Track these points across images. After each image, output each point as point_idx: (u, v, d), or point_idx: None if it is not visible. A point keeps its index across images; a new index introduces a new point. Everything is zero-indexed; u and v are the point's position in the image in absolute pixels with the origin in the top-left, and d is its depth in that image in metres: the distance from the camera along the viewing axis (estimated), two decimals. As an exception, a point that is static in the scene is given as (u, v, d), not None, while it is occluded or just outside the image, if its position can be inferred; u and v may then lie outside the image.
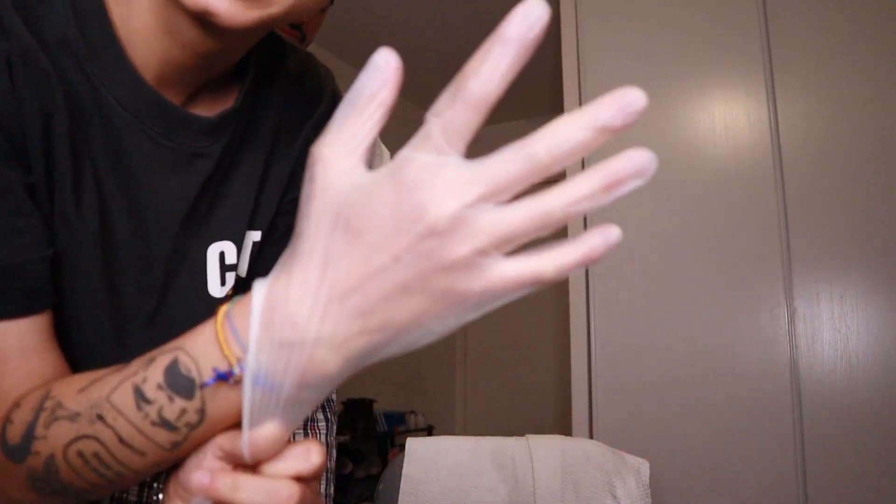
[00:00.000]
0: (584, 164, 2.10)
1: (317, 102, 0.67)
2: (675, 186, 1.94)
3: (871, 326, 1.66)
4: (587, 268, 2.06)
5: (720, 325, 1.82)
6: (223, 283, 0.60)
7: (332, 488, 1.11)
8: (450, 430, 4.34)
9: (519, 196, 0.35)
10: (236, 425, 0.39)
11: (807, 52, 1.82)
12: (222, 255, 0.60)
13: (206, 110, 0.57)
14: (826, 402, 1.68)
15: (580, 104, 2.14)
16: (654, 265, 1.94)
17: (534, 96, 3.89)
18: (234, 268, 0.61)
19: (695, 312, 1.86)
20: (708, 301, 1.85)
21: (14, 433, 0.42)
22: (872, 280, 1.67)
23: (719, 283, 1.84)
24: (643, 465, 1.24)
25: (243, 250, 0.62)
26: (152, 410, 0.39)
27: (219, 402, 0.39)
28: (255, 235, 0.63)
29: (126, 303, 0.54)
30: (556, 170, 0.35)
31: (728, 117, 1.90)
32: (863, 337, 1.67)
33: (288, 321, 0.34)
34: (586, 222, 2.07)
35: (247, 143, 0.61)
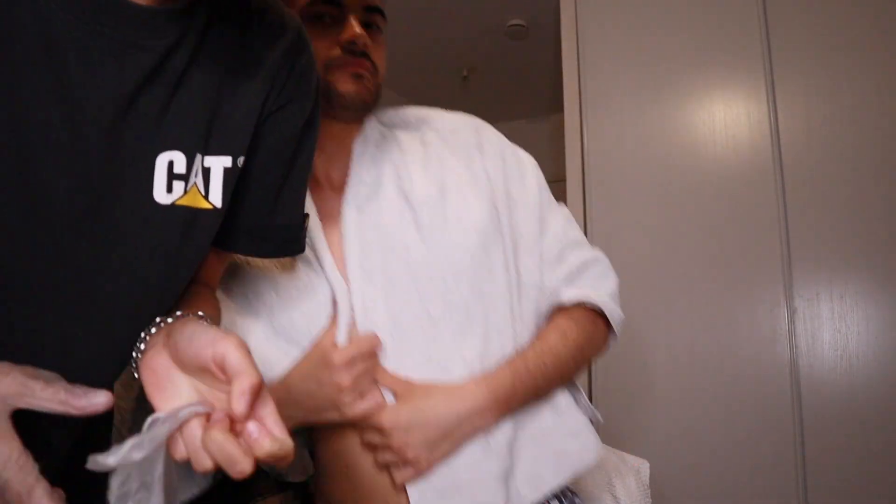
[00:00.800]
0: (583, 171, 2.10)
1: (280, 33, 0.67)
2: (675, 186, 1.94)
3: (871, 326, 1.66)
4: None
5: (720, 325, 1.82)
6: (169, 190, 0.59)
7: None
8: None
9: None
10: None
11: (807, 52, 1.82)
12: (171, 163, 0.59)
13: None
14: (826, 402, 1.68)
15: (580, 104, 2.14)
16: (654, 265, 1.94)
17: (534, 96, 3.89)
18: (182, 177, 0.60)
19: (695, 312, 1.86)
20: (708, 301, 1.85)
21: None
22: (872, 280, 1.67)
23: (719, 282, 1.84)
24: (643, 465, 1.25)
25: (213, 176, 0.62)
26: None
27: None
28: (224, 161, 0.63)
29: (52, 194, 0.52)
30: None
31: (728, 117, 1.90)
32: (863, 337, 1.67)
33: None
34: (587, 223, 2.07)
35: (199, 59, 0.60)
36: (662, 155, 1.98)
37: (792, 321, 1.74)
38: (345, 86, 0.83)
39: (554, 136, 3.79)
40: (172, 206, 0.60)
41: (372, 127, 0.93)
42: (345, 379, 0.74)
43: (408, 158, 0.89)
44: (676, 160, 1.95)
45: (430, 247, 0.80)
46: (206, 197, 0.62)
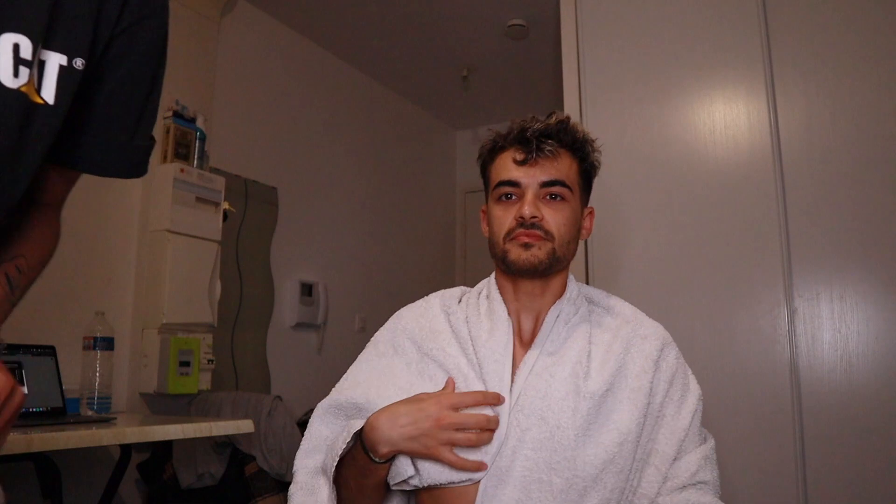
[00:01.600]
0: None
1: None
2: (675, 186, 1.94)
3: (871, 326, 1.66)
4: (587, 268, 2.06)
5: (720, 325, 1.82)
6: (16, 74, 0.59)
7: None
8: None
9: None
10: None
11: (807, 52, 1.82)
12: (17, 47, 0.59)
13: None
14: (826, 402, 1.68)
15: (580, 104, 2.14)
16: (654, 265, 1.94)
17: (534, 96, 3.89)
18: (28, 64, 0.60)
19: (694, 312, 1.86)
20: (708, 301, 1.85)
21: None
22: (872, 280, 1.67)
23: (719, 282, 1.84)
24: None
25: (47, 72, 0.62)
26: None
27: None
28: (59, 58, 0.63)
29: None
30: None
31: (728, 117, 1.90)
32: (863, 337, 1.67)
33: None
34: (586, 222, 2.06)
35: None
36: (662, 155, 1.98)
37: (792, 321, 1.74)
38: (514, 254, 0.99)
39: (554, 136, 3.78)
40: (18, 91, 0.60)
41: (571, 299, 1.06)
42: (447, 415, 0.90)
43: (593, 349, 1.01)
44: (676, 160, 1.95)
45: (577, 434, 0.92)
46: (38, 91, 0.62)
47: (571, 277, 1.08)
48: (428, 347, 1.03)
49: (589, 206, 1.11)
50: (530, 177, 1.01)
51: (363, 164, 3.60)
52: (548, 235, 0.99)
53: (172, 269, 2.27)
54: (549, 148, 1.00)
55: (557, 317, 1.03)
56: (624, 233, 2.00)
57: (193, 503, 2.19)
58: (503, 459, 0.91)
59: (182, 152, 2.37)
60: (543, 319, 1.03)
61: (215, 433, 1.77)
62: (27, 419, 1.62)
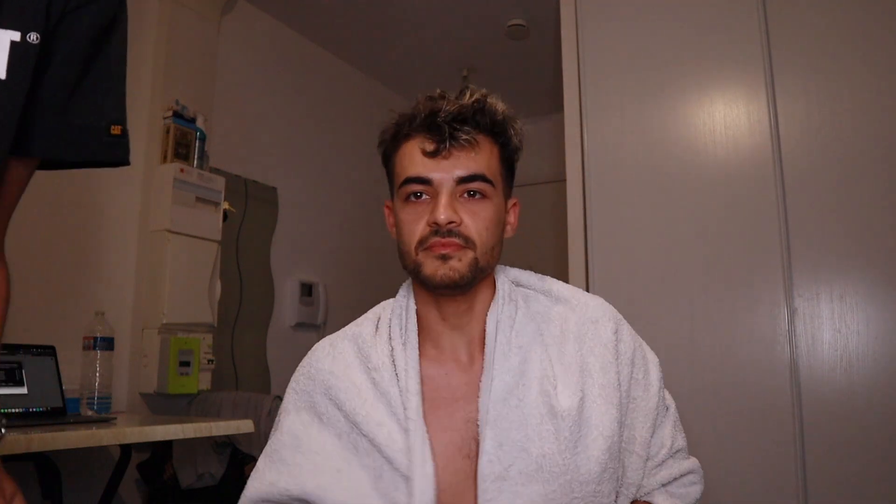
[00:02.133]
0: (583, 171, 2.10)
1: None
2: (675, 186, 1.94)
3: (871, 326, 1.66)
4: (587, 268, 2.06)
5: (720, 325, 1.82)
6: None
7: None
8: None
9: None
10: None
11: (807, 52, 1.82)
12: None
13: None
14: (826, 402, 1.68)
15: (580, 104, 2.14)
16: (654, 265, 1.94)
17: (534, 96, 3.89)
18: None
19: (695, 312, 1.86)
20: (708, 301, 1.85)
21: None
22: (872, 280, 1.67)
23: (719, 282, 1.84)
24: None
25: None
26: None
27: None
28: (12, 34, 0.64)
29: None
30: None
31: (728, 117, 1.90)
32: (863, 337, 1.67)
33: None
34: (587, 223, 2.07)
35: None
36: (662, 155, 1.98)
37: (792, 321, 1.74)
38: (429, 267, 0.83)
39: (554, 136, 3.78)
40: None
41: (506, 296, 0.91)
42: None
43: (551, 351, 0.88)
44: (676, 160, 1.95)
45: (565, 458, 0.81)
46: None
47: (497, 269, 0.94)
48: (354, 413, 0.84)
49: (513, 197, 0.94)
50: (443, 171, 0.83)
51: (363, 164, 3.60)
52: (468, 243, 0.83)
53: (172, 269, 2.27)
54: (465, 136, 0.84)
55: (497, 325, 0.88)
56: (624, 233, 2.00)
57: (193, 503, 2.19)
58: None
59: (182, 152, 2.38)
60: (481, 330, 0.89)
61: (215, 433, 1.77)
62: (27, 419, 1.62)
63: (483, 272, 0.86)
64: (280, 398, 2.36)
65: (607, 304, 0.97)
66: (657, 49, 2.03)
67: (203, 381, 2.34)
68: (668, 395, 0.98)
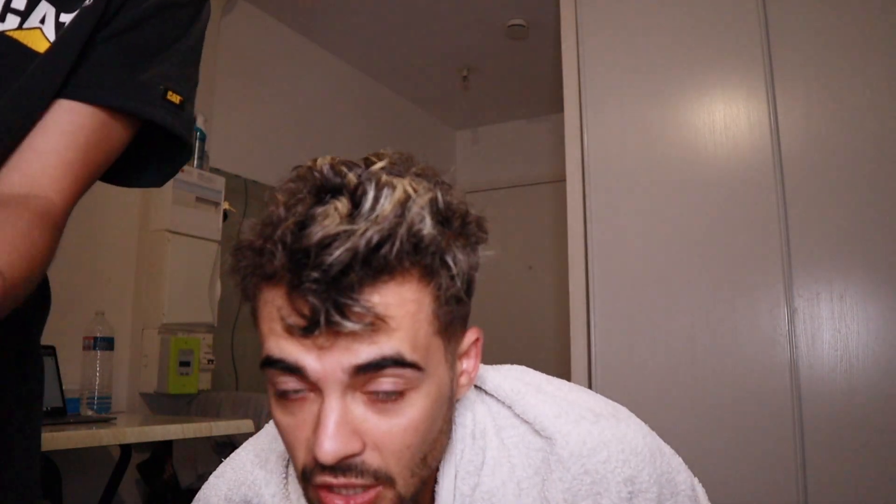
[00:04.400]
0: (583, 172, 2.10)
1: None
2: (675, 186, 1.94)
3: (871, 326, 1.66)
4: (587, 270, 2.06)
5: (720, 325, 1.82)
6: (2, 19, 0.60)
7: None
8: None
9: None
10: None
11: (807, 52, 1.82)
12: None
13: None
14: (826, 402, 1.68)
15: (580, 104, 2.14)
16: (654, 265, 1.94)
17: (534, 96, 3.89)
18: (18, 13, 0.61)
19: (695, 312, 1.86)
20: (708, 301, 1.85)
21: None
22: (872, 280, 1.67)
23: (719, 283, 1.84)
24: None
25: (46, 21, 0.63)
26: None
27: None
28: (49, 9, 0.63)
29: None
30: None
31: (728, 117, 1.90)
32: (863, 337, 1.67)
33: None
34: (587, 223, 2.07)
35: None
36: (662, 155, 1.98)
37: (792, 321, 1.74)
38: None
39: (554, 136, 3.78)
40: (4, 35, 0.60)
41: (466, 459, 0.58)
42: None
43: None
44: (676, 160, 1.95)
45: None
46: (43, 35, 0.62)
47: (456, 407, 0.58)
48: None
49: (471, 327, 0.56)
50: (326, 360, 0.46)
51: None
52: (379, 477, 0.48)
53: (172, 269, 2.27)
54: (357, 307, 0.45)
55: (455, 494, 0.57)
56: (624, 233, 2.00)
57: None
58: None
59: (182, 152, 2.38)
60: None
61: (215, 433, 1.77)
62: (27, 419, 1.61)
63: (419, 492, 0.53)
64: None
65: (634, 439, 0.60)
66: (657, 49, 2.03)
67: (203, 381, 2.34)
68: (699, 489, 0.68)
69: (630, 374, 1.91)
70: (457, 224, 0.50)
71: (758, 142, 1.85)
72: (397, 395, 0.48)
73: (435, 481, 0.58)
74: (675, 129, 1.97)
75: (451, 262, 0.49)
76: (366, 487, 0.48)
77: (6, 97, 0.60)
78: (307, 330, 0.46)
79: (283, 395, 0.50)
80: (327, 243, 0.44)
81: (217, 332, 2.47)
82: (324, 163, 0.50)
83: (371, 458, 0.48)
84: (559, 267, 2.59)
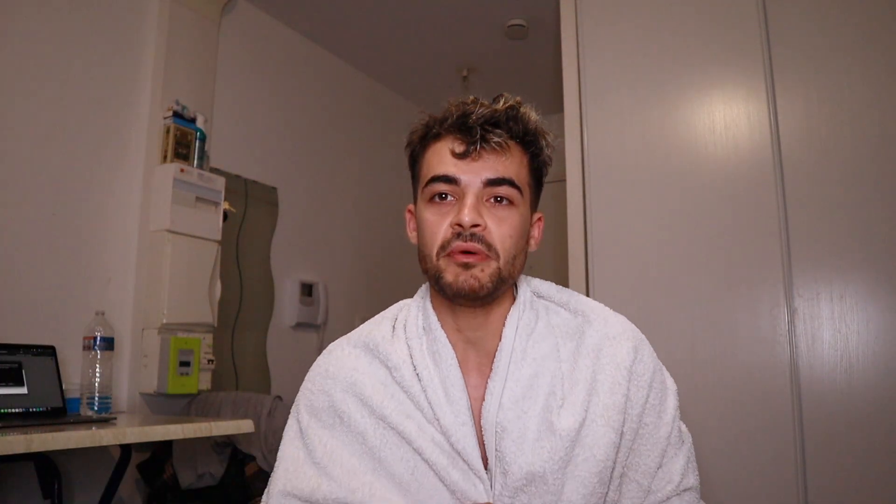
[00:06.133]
0: (583, 171, 2.10)
1: None
2: (675, 186, 1.94)
3: (871, 326, 1.66)
4: (587, 268, 2.06)
5: (720, 325, 1.82)
6: None
7: None
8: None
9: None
10: None
11: (807, 52, 1.82)
12: None
13: None
14: (826, 402, 1.68)
15: (580, 104, 2.14)
16: (654, 265, 1.94)
17: (534, 96, 3.88)
18: None
19: (695, 313, 1.86)
20: (708, 301, 1.85)
21: None
22: (872, 280, 1.67)
23: (719, 283, 1.84)
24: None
25: None
26: None
27: None
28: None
29: None
30: None
31: (728, 117, 1.90)
32: (863, 337, 1.67)
33: None
34: (587, 223, 2.07)
35: None
36: (662, 155, 1.98)
37: (792, 321, 1.74)
38: (450, 275, 0.80)
39: (554, 136, 3.78)
40: None
41: (527, 303, 0.90)
42: None
43: (564, 367, 0.86)
44: (676, 160, 1.95)
45: (555, 478, 0.80)
46: None
47: (519, 278, 0.91)
48: (381, 406, 0.83)
49: (538, 211, 0.92)
50: (472, 173, 0.81)
51: (363, 164, 3.60)
52: (491, 251, 0.80)
53: (172, 269, 2.27)
54: (496, 139, 0.81)
55: (515, 332, 0.86)
56: (624, 233, 2.00)
57: (193, 503, 2.19)
58: None
59: (182, 152, 2.37)
60: (497, 345, 0.86)
61: (215, 433, 1.77)
62: (27, 419, 1.62)
63: (504, 283, 0.83)
64: (280, 398, 2.36)
65: (630, 323, 0.93)
66: (657, 49, 2.03)
67: (203, 381, 2.34)
68: (684, 429, 0.94)
69: (630, 374, 1.91)
70: (544, 129, 0.88)
71: (758, 142, 1.85)
72: (507, 203, 0.82)
73: (503, 325, 0.87)
74: (675, 129, 1.97)
75: (542, 143, 0.88)
76: (482, 254, 0.80)
77: None
78: (465, 153, 0.82)
79: (434, 200, 0.83)
80: (479, 110, 0.83)
81: (217, 332, 2.48)
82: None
83: (487, 235, 0.80)
84: (559, 267, 2.59)
